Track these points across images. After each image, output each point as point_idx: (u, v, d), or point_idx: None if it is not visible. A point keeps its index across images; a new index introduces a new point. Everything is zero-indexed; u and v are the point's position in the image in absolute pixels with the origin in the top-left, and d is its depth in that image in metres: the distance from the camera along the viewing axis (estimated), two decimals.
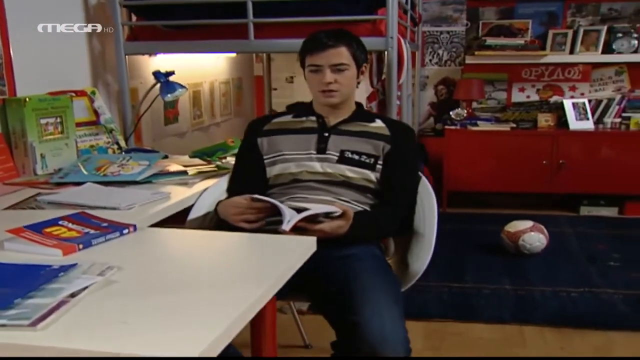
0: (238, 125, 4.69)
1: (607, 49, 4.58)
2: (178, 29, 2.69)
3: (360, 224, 1.74)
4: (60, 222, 1.47)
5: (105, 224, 1.49)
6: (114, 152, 2.53)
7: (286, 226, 1.61)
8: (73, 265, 1.20)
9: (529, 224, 3.49)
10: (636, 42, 4.53)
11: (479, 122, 4.67)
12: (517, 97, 4.92)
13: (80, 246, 1.35)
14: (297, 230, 1.63)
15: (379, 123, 1.99)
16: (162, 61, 3.25)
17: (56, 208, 1.73)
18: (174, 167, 2.27)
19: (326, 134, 1.95)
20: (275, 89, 5.08)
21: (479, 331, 2.61)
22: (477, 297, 2.94)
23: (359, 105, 2.07)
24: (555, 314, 2.75)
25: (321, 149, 1.93)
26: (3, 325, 0.95)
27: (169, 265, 1.33)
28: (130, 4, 2.68)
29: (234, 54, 4.45)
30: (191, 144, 3.74)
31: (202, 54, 3.74)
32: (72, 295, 1.08)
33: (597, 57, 4.61)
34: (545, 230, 3.49)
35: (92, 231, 1.44)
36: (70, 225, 1.46)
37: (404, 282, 1.85)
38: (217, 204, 1.89)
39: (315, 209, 1.70)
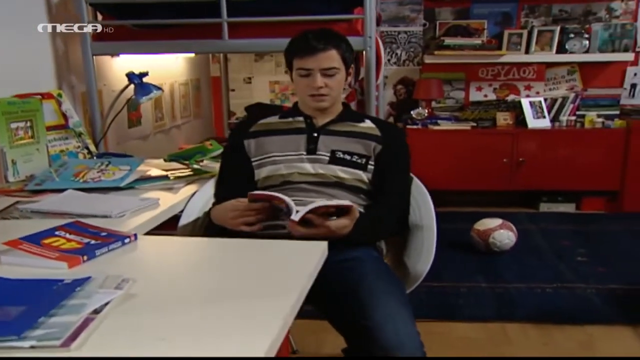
0: (198, 127, 4.59)
1: (560, 49, 4.69)
2: (148, 29, 2.59)
3: (362, 226, 1.70)
4: (57, 233, 1.38)
5: (104, 234, 1.41)
6: (84, 157, 2.40)
7: (295, 216, 1.56)
8: (87, 279, 1.12)
9: (498, 221, 3.53)
10: (587, 42, 4.65)
11: (439, 121, 4.70)
12: (475, 96, 4.98)
13: (85, 257, 1.27)
14: (303, 223, 1.59)
15: (368, 123, 1.96)
16: (124, 62, 3.13)
17: (43, 217, 1.63)
18: (155, 172, 2.18)
19: (315, 135, 1.90)
20: (233, 90, 5.00)
21: (463, 330, 2.61)
22: (456, 296, 2.95)
23: (345, 105, 2.03)
24: (534, 311, 2.77)
25: (311, 149, 1.88)
26: (33, 347, 0.88)
27: (185, 275, 1.26)
28: (98, 1, 2.56)
29: (192, 54, 4.35)
30: (154, 147, 3.63)
31: (161, 54, 3.64)
32: (96, 311, 1.00)
33: (551, 56, 4.71)
34: (514, 228, 3.53)
35: (92, 241, 1.35)
36: (68, 235, 1.37)
37: (406, 284, 1.82)
38: (211, 210, 1.82)
39: (322, 202, 1.65)
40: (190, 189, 2.02)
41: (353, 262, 1.69)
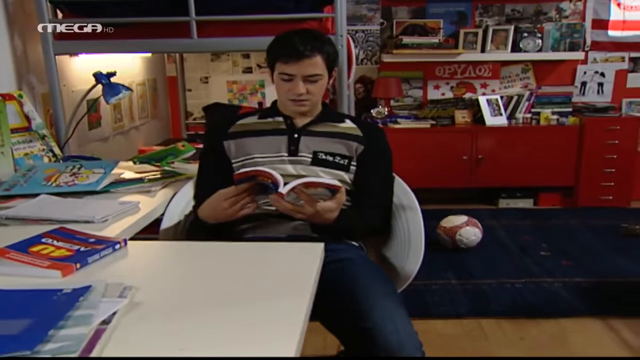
0: (156, 128, 4.49)
1: (515, 48, 4.77)
2: (114, 27, 2.49)
3: (347, 216, 1.69)
4: (43, 240, 1.31)
5: (92, 240, 1.34)
6: (50, 160, 2.30)
7: (283, 189, 1.52)
8: (87, 288, 1.06)
9: (464, 218, 3.56)
10: (540, 41, 4.75)
11: (399, 119, 4.72)
12: (433, 94, 5.03)
13: (78, 265, 1.21)
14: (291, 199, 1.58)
15: (349, 123, 1.93)
16: (82, 61, 3.02)
17: (21, 224, 1.54)
18: (128, 175, 2.10)
19: (296, 136, 1.86)
20: (189, 90, 4.90)
21: (439, 327, 2.62)
22: (429, 294, 2.95)
23: (325, 105, 1.99)
24: (507, 306, 2.81)
25: (292, 151, 1.84)
26: None
27: (186, 280, 1.20)
28: None
29: (149, 54, 4.25)
30: (114, 149, 3.52)
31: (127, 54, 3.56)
32: (104, 322, 0.95)
33: (507, 55, 4.79)
34: (479, 224, 3.57)
35: (82, 248, 1.29)
36: (55, 242, 1.30)
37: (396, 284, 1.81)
38: (196, 212, 1.76)
39: (312, 179, 1.62)
40: (167, 191, 1.96)
41: (344, 263, 1.66)
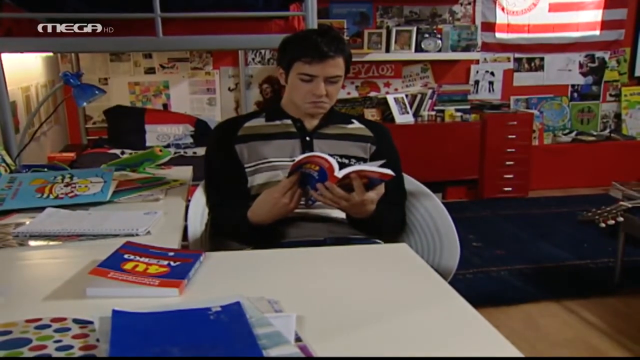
0: (60, 133, 4.14)
1: (417, 48, 4.94)
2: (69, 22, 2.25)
3: (380, 211, 1.65)
4: (126, 256, 1.14)
5: (172, 253, 1.20)
6: (6, 171, 2.03)
7: (339, 173, 1.48)
8: (237, 304, 0.94)
9: None
10: (440, 42, 4.95)
11: None
12: (339, 93, 5.05)
13: (186, 281, 1.07)
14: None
15: (356, 124, 1.91)
16: None
17: (55, 241, 1.34)
18: (123, 183, 1.91)
19: (308, 139, 1.80)
20: None
21: None
22: None
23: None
24: (468, 296, 2.86)
25: None
26: None
27: (316, 290, 1.09)
28: None
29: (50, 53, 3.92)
30: (32, 156, 3.18)
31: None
32: (297, 339, 0.86)
33: (411, 55, 4.94)
34: None
35: (172, 263, 1.14)
36: (140, 258, 1.14)
37: None
38: (246, 214, 1.63)
39: (364, 165, 1.60)
40: (172, 198, 1.81)
41: None
